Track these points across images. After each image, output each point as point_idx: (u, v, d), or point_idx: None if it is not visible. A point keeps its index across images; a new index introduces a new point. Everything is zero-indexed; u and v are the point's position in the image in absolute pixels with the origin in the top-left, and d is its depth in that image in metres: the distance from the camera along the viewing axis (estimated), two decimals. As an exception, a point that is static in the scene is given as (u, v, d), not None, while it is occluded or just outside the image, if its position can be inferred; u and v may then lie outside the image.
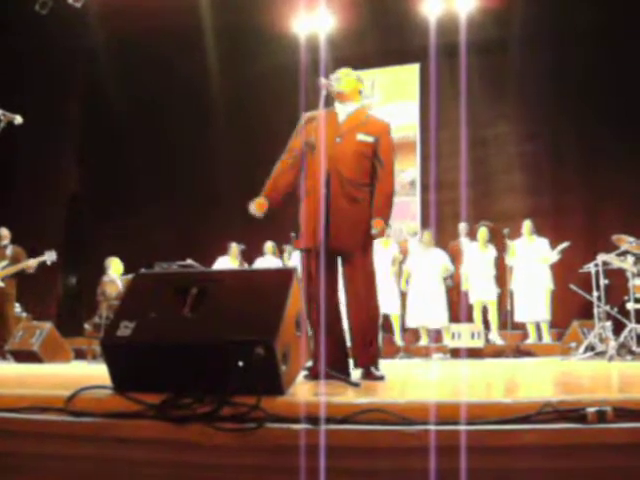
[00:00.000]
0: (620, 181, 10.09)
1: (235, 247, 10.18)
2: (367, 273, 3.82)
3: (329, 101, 3.94)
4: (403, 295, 9.71)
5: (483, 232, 9.52)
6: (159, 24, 10.87)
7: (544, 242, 9.34)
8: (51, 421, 2.22)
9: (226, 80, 11.83)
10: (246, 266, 10.15)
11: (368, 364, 3.74)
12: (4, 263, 8.35)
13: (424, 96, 11.70)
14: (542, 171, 11.05)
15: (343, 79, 3.94)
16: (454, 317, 9.55)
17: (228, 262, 10.09)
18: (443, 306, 9.50)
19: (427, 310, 9.33)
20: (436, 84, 10.58)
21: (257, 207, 3.94)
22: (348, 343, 3.91)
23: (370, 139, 3.84)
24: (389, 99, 12.10)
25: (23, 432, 2.22)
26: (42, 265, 8.47)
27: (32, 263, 8.29)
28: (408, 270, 9.65)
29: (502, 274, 9.56)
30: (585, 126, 10.48)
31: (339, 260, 3.86)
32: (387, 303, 8.69)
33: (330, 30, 11.75)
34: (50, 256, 8.34)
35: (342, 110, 3.95)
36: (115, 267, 9.26)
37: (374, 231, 3.75)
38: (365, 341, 3.76)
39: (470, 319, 9.43)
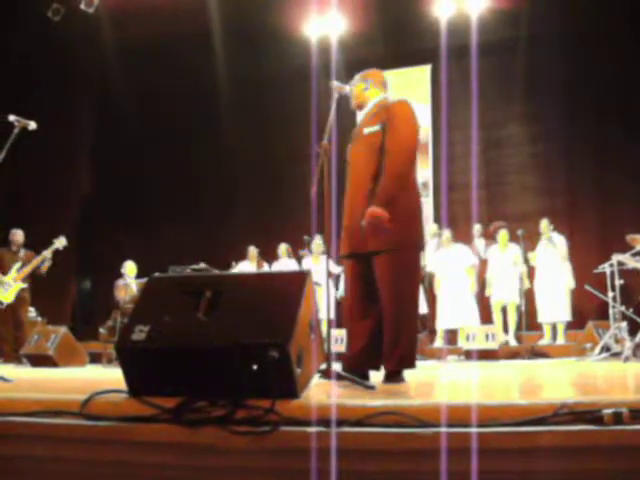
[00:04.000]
0: (634, 180, 10.04)
1: (253, 250, 10.35)
2: (395, 272, 3.62)
3: (341, 104, 3.95)
4: (432, 298, 9.74)
5: (504, 235, 9.51)
6: (170, 28, 10.93)
7: (561, 239, 9.30)
8: (66, 425, 2.23)
9: (238, 83, 11.87)
10: (265, 268, 10.25)
11: (393, 368, 3.64)
12: (18, 265, 8.40)
13: (436, 97, 11.71)
14: (555, 171, 11.02)
15: (352, 90, 3.99)
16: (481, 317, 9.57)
17: (248, 265, 10.24)
18: (473, 304, 9.48)
19: (458, 310, 9.32)
20: (447, 85, 10.57)
21: None
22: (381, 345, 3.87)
23: (376, 128, 3.74)
24: (401, 101, 12.08)
25: (38, 436, 2.23)
26: (54, 267, 8.51)
27: (47, 254, 8.32)
28: (434, 273, 9.66)
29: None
30: (597, 125, 10.44)
31: (374, 261, 3.71)
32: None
33: (341, 32, 11.76)
34: (60, 242, 8.36)
35: (360, 114, 4.00)
36: (129, 270, 9.32)
37: (362, 223, 3.58)
38: (391, 344, 3.62)
39: (490, 320, 9.43)
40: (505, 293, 9.46)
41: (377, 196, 3.59)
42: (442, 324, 9.55)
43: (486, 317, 9.58)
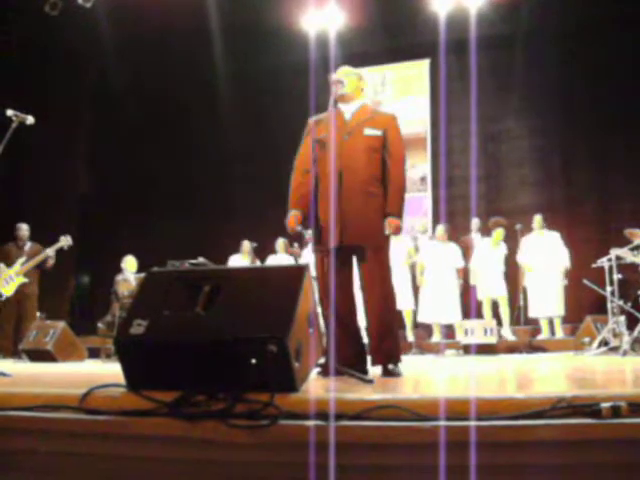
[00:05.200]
0: (633, 174, 10.05)
1: (247, 244, 10.26)
2: (383, 269, 3.80)
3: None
4: (416, 290, 9.72)
5: (499, 233, 9.50)
6: (168, 23, 10.91)
7: (556, 236, 9.30)
8: (65, 419, 2.24)
9: (237, 77, 11.85)
10: (258, 263, 10.19)
11: (385, 361, 3.73)
12: (23, 259, 8.39)
13: (434, 92, 11.69)
14: (553, 165, 11.02)
15: (346, 81, 3.96)
16: (464, 313, 9.55)
17: (240, 259, 10.15)
18: (456, 302, 9.49)
19: (440, 306, 9.33)
20: (446, 79, 10.57)
21: (292, 222, 4.00)
22: (365, 340, 3.91)
23: (378, 132, 3.86)
24: (399, 95, 12.09)
25: (38, 430, 2.24)
26: (55, 262, 8.51)
27: (50, 252, 8.32)
28: (422, 264, 9.64)
29: (513, 270, 9.55)
30: (596, 120, 10.43)
31: (354, 257, 3.84)
32: (399, 299, 8.68)
33: (340, 27, 11.74)
34: (66, 240, 8.36)
35: (347, 109, 3.97)
36: (130, 265, 9.30)
37: (387, 231, 3.77)
38: (380, 338, 3.73)
39: (480, 315, 9.42)
40: (492, 289, 9.45)
41: (393, 207, 3.81)
42: (422, 317, 9.57)
43: (474, 311, 9.55)
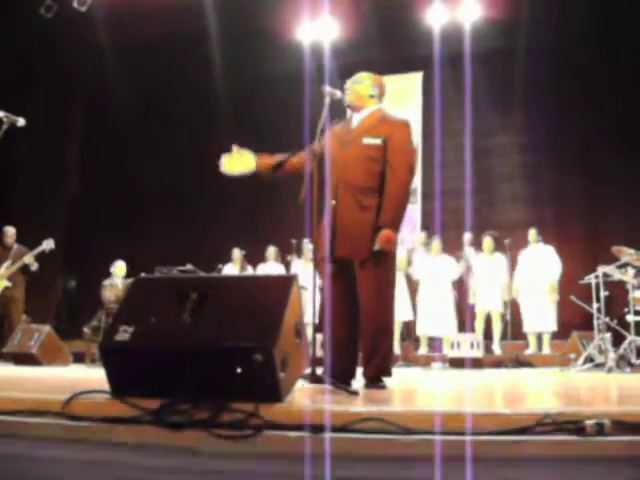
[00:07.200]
0: (621, 192, 10.10)
1: (237, 252, 10.26)
2: (377, 283, 3.67)
3: (333, 109, 3.93)
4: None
5: (488, 242, 9.52)
6: (164, 29, 10.93)
7: (550, 249, 9.33)
8: (48, 424, 2.22)
9: (231, 86, 11.86)
10: (250, 271, 10.19)
11: (372, 374, 3.68)
12: (7, 263, 8.33)
13: (427, 104, 11.72)
14: (544, 181, 11.06)
15: (349, 90, 3.92)
16: (460, 326, 9.56)
17: (232, 268, 10.15)
18: (452, 315, 9.50)
19: (434, 319, 9.34)
20: (439, 93, 10.60)
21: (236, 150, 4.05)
22: (357, 352, 3.87)
23: (377, 141, 3.74)
24: (391, 107, 12.06)
25: (20, 435, 2.22)
26: (42, 265, 8.46)
27: (30, 259, 8.26)
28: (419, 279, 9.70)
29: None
30: (588, 137, 10.48)
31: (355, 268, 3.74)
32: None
33: (334, 38, 11.78)
34: (48, 244, 8.31)
35: (356, 118, 3.95)
36: (119, 270, 9.26)
37: (376, 246, 3.63)
38: (371, 351, 3.68)
39: (474, 328, 9.44)
40: (489, 302, 9.47)
41: (384, 219, 3.65)
42: (421, 330, 9.58)
43: (469, 325, 9.57)
